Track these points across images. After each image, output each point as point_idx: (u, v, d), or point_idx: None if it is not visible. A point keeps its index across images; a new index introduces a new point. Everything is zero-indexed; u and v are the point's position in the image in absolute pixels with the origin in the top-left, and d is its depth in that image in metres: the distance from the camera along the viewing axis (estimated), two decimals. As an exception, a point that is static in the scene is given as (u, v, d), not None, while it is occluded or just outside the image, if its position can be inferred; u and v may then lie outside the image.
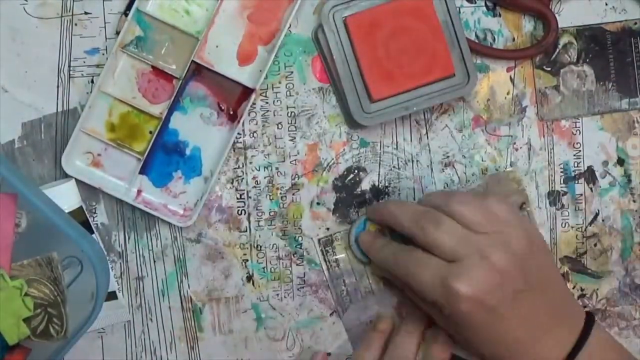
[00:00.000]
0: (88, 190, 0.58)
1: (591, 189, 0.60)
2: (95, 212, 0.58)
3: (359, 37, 0.55)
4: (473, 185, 0.58)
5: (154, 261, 0.59)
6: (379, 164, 0.59)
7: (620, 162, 0.60)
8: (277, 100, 0.58)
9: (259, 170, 0.59)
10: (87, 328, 0.51)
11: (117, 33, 0.56)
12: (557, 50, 0.59)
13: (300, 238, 0.59)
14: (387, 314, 0.59)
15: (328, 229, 0.59)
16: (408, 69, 0.55)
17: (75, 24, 0.57)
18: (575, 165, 0.60)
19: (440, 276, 0.49)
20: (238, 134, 0.58)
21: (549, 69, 0.59)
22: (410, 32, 0.55)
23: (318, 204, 0.59)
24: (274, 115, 0.58)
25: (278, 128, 0.58)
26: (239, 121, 0.57)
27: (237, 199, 0.59)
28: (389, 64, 0.55)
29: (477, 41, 0.58)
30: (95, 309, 0.51)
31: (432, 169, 0.59)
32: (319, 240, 0.59)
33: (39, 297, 0.49)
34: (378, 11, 0.55)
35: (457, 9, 0.56)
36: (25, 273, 0.49)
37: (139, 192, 0.58)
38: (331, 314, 0.60)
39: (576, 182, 0.60)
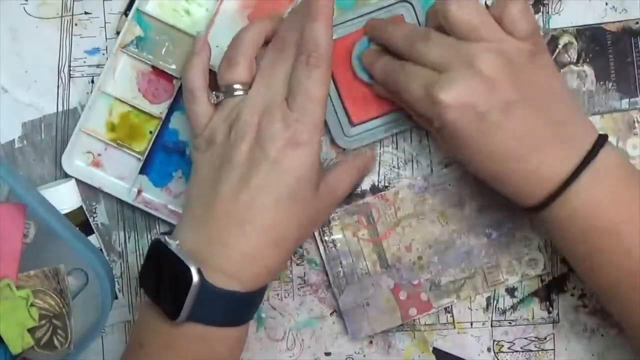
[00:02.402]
0: (88, 190, 0.58)
1: (591, 188, 0.60)
2: (95, 212, 0.58)
3: (337, 64, 0.55)
4: None
5: (154, 261, 0.59)
6: (379, 163, 0.59)
7: (620, 162, 0.60)
8: (277, 100, 0.58)
9: (259, 170, 0.59)
10: (91, 341, 0.52)
11: (117, 33, 0.56)
12: (557, 50, 0.59)
13: (300, 238, 0.59)
14: None
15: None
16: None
17: (75, 24, 0.57)
18: (575, 165, 0.60)
19: (427, 86, 0.47)
20: (238, 134, 0.58)
21: (549, 69, 0.59)
22: None
23: (318, 204, 0.59)
24: (274, 115, 0.58)
25: (278, 128, 0.58)
26: (239, 121, 0.57)
27: (237, 199, 0.59)
28: (367, 88, 0.56)
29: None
30: (99, 322, 0.51)
31: (432, 169, 0.59)
32: None
33: (44, 308, 0.50)
34: (354, 37, 0.56)
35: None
36: (31, 283, 0.49)
37: (139, 192, 0.58)
38: (331, 314, 0.60)
39: (576, 182, 0.60)
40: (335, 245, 0.58)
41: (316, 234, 0.58)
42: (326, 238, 0.58)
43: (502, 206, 0.58)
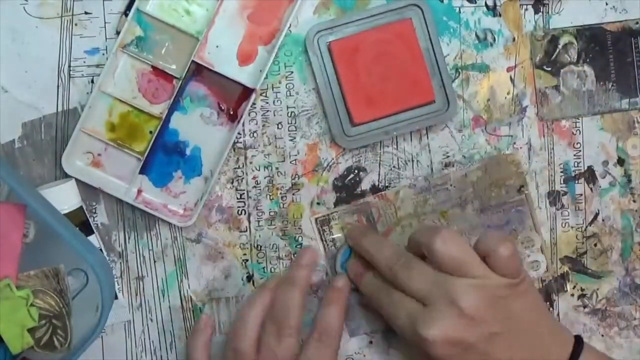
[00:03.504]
0: (88, 190, 0.58)
1: (591, 189, 0.60)
2: (95, 212, 0.58)
3: (342, 62, 0.56)
4: (472, 167, 0.58)
5: (154, 261, 0.59)
6: (379, 164, 0.59)
7: (621, 162, 0.60)
8: (277, 100, 0.58)
9: (259, 170, 0.59)
10: (91, 342, 0.52)
11: (117, 33, 0.56)
12: (557, 50, 0.59)
13: (300, 238, 0.59)
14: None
15: (328, 208, 0.59)
16: (389, 95, 0.56)
17: (75, 24, 0.57)
18: (575, 165, 0.60)
19: (411, 321, 0.49)
20: (238, 134, 0.58)
21: (549, 69, 0.59)
22: (393, 59, 0.56)
23: (318, 204, 0.59)
24: (274, 115, 0.58)
25: (278, 128, 0.58)
26: (239, 121, 0.57)
27: (237, 199, 0.59)
28: (370, 89, 0.56)
29: (477, 41, 0.58)
30: (99, 322, 0.51)
31: (432, 169, 0.59)
32: (316, 219, 0.58)
33: (44, 308, 0.50)
34: (361, 37, 0.56)
35: (438, 38, 0.57)
36: (31, 283, 0.49)
37: (139, 192, 0.58)
38: (331, 314, 0.60)
39: (576, 182, 0.60)
40: (335, 244, 0.59)
41: (316, 232, 0.58)
42: (326, 237, 0.58)
43: (504, 207, 0.58)
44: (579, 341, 0.52)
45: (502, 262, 0.50)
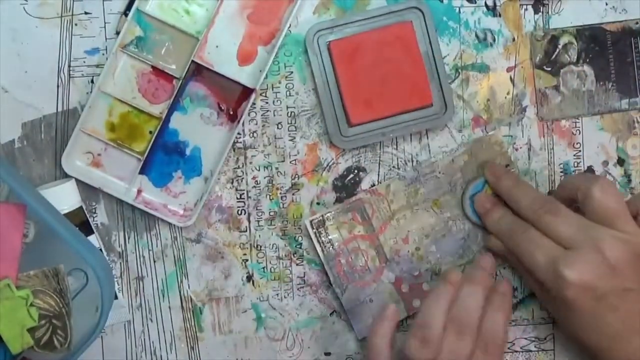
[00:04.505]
0: (88, 190, 0.58)
1: (591, 189, 0.60)
2: (95, 212, 0.58)
3: (341, 62, 0.56)
4: (458, 152, 0.58)
5: (154, 261, 0.59)
6: (379, 163, 0.59)
7: (620, 162, 0.60)
8: (277, 100, 0.58)
9: (259, 170, 0.59)
10: (91, 342, 0.52)
11: (117, 33, 0.56)
12: (557, 50, 0.59)
13: (300, 238, 0.59)
14: (454, 268, 0.58)
15: (328, 208, 0.59)
16: (387, 97, 0.56)
17: (75, 24, 0.57)
18: (575, 165, 0.60)
19: (553, 260, 0.50)
20: (238, 134, 0.58)
21: (549, 69, 0.59)
22: (392, 61, 0.56)
23: (318, 204, 0.59)
24: (274, 115, 0.58)
25: (278, 128, 0.58)
26: (239, 121, 0.57)
27: (237, 199, 0.59)
28: (369, 90, 0.56)
29: (477, 41, 0.58)
30: (99, 322, 0.51)
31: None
32: (311, 222, 0.58)
33: (44, 308, 0.50)
34: (361, 38, 0.56)
35: (438, 42, 0.57)
36: (31, 283, 0.49)
37: (139, 192, 0.58)
38: (331, 314, 0.60)
39: (576, 182, 0.60)
40: (332, 245, 0.58)
41: (312, 235, 0.58)
42: (323, 239, 0.58)
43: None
44: None
45: None
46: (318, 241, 0.58)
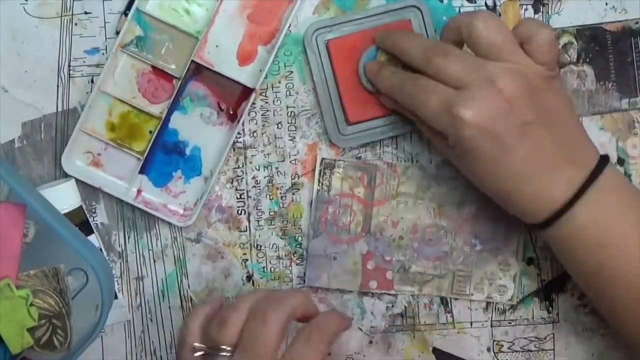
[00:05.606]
0: (88, 190, 0.58)
1: (591, 188, 0.60)
2: (95, 212, 0.58)
3: (340, 61, 0.56)
4: None
5: (154, 261, 0.59)
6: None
7: (621, 162, 0.60)
8: (277, 100, 0.58)
9: (258, 170, 0.59)
10: (91, 341, 0.52)
11: (117, 33, 0.56)
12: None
13: (300, 238, 0.59)
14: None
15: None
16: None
17: (75, 24, 0.57)
18: (575, 165, 0.60)
19: (446, 102, 0.48)
20: (238, 133, 0.58)
21: (549, 68, 0.59)
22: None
23: (318, 203, 0.59)
24: (274, 115, 0.58)
25: (278, 128, 0.58)
26: (239, 121, 0.57)
27: (237, 198, 0.59)
28: (367, 89, 0.56)
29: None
30: (99, 322, 0.51)
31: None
32: (322, 159, 0.58)
33: (44, 308, 0.50)
34: (360, 36, 0.56)
35: (435, 31, 0.57)
36: (31, 283, 0.49)
37: (139, 191, 0.58)
38: (331, 314, 0.60)
39: (576, 182, 0.60)
40: (329, 191, 0.58)
41: (316, 172, 0.58)
42: (323, 181, 0.58)
43: (498, 223, 0.58)
44: (605, 158, 0.50)
45: (541, 48, 0.49)
46: (318, 180, 0.58)
